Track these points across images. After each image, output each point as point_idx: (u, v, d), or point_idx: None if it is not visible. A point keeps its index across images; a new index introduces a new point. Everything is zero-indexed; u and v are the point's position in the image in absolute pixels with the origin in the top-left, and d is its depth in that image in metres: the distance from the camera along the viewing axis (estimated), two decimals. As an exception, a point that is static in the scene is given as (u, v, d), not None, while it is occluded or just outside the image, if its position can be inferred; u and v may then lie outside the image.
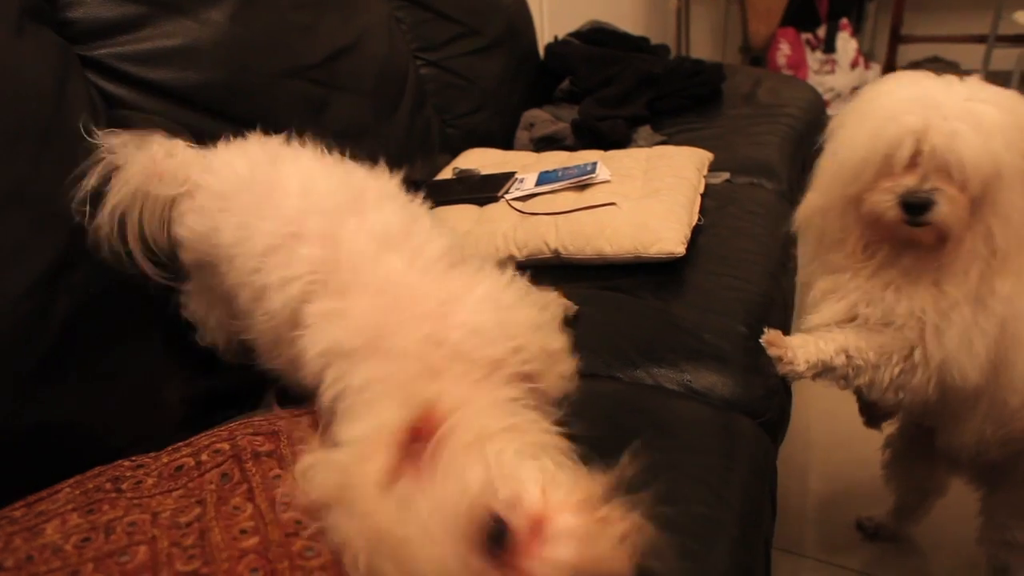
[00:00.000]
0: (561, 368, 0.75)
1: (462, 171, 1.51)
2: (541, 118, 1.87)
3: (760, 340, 0.93)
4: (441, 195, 1.41)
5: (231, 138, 0.91)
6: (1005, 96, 0.79)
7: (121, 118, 1.00)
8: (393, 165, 1.36)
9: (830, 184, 0.85)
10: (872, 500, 1.32)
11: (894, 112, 0.77)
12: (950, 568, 1.25)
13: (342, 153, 0.89)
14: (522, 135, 1.86)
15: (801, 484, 1.44)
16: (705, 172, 1.44)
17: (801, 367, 0.89)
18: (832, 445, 1.53)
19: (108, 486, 0.74)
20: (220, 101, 1.07)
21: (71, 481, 0.75)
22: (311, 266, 0.73)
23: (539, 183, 1.35)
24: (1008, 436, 0.91)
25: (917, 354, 0.85)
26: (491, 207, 1.33)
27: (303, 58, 1.29)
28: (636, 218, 1.16)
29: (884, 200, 0.78)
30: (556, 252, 1.18)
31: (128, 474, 0.77)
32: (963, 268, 0.82)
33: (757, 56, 3.56)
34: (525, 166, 1.48)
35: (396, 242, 0.76)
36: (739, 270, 1.14)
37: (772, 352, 0.92)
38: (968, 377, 0.84)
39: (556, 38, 2.24)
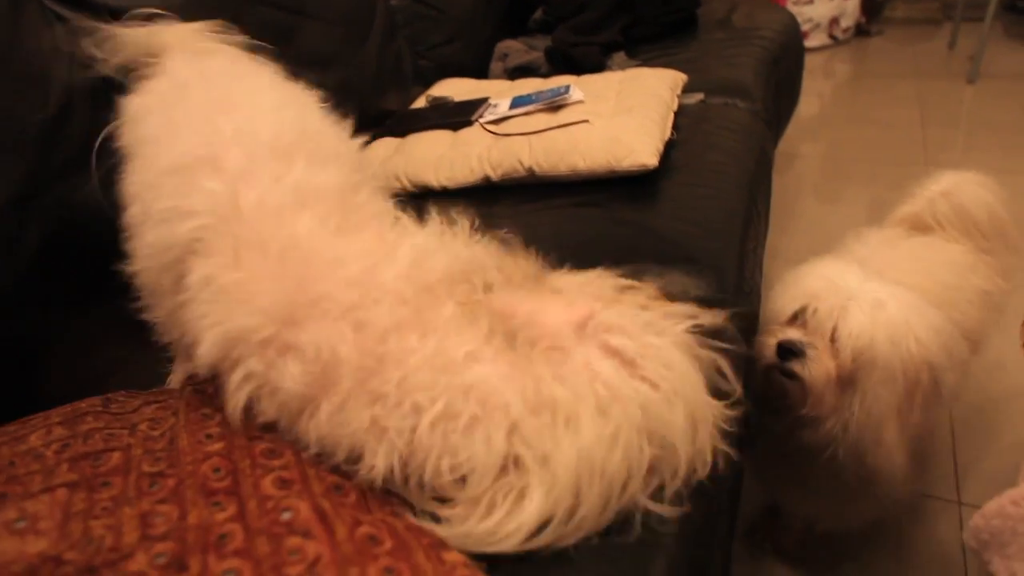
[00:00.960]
0: None
1: (435, 99, 1.49)
2: (515, 48, 1.84)
3: None
4: (414, 123, 1.40)
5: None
6: (917, 305, 0.83)
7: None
8: (364, 97, 1.32)
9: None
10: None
11: (802, 279, 0.88)
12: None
13: (309, 83, 0.85)
14: (496, 66, 1.84)
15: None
16: (679, 92, 1.44)
17: None
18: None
19: (98, 403, 0.75)
20: (181, 27, 1.04)
21: (68, 406, 0.76)
22: (210, 204, 0.61)
23: (513, 106, 1.33)
24: None
25: None
26: (465, 131, 1.32)
27: (267, -18, 1.26)
28: (609, 133, 1.16)
29: (768, 343, 0.86)
30: (530, 170, 1.18)
31: (120, 398, 0.78)
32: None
33: (735, -12, 3.51)
34: (499, 92, 1.46)
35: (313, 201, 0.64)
36: (712, 180, 1.14)
37: None
38: None
39: (528, -33, 2.20)
